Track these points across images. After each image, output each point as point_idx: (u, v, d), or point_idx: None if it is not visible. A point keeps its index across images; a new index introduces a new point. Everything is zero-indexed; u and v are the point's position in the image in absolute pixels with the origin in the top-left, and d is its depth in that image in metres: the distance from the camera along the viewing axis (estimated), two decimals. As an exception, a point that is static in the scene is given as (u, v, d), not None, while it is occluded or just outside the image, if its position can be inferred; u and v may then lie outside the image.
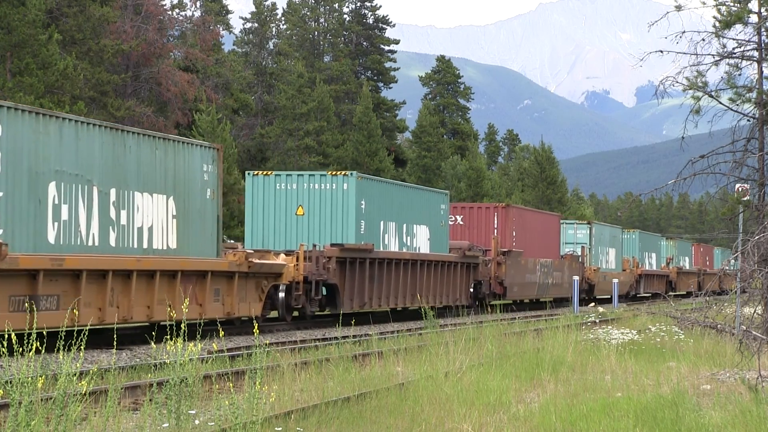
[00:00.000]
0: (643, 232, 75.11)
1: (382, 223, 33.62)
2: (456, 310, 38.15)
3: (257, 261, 26.55)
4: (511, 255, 43.71)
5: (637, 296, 66.31)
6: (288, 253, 29.26)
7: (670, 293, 71.81)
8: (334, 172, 32.08)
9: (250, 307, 26.44)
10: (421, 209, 36.72)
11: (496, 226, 44.13)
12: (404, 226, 35.29)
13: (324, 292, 30.92)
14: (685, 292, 76.11)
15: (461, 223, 44.27)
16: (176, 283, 23.16)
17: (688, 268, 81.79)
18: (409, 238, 35.62)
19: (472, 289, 40.63)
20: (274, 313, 29.48)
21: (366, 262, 31.97)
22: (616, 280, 55.58)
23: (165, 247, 23.51)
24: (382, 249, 33.36)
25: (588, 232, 57.59)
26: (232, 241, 32.06)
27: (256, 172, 32.58)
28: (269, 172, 32.45)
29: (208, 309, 24.45)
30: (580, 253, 55.33)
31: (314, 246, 29.93)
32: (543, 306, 49.21)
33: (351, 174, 31.84)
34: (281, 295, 28.49)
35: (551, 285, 49.41)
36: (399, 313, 37.40)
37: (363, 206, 31.97)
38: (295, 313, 30.23)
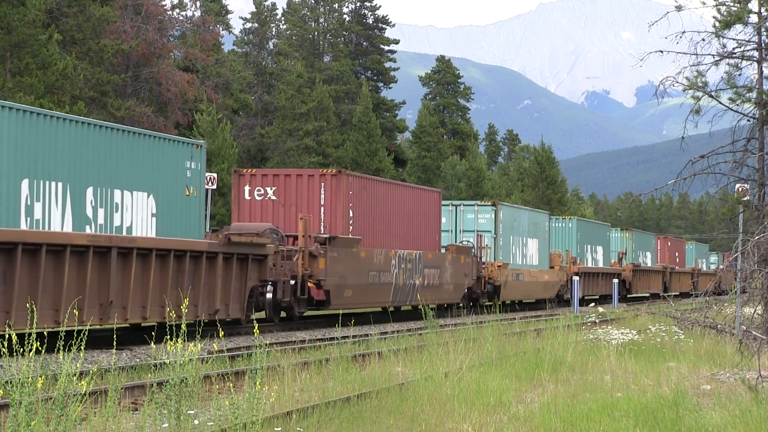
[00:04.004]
0: (584, 220, 60.91)
1: (25, 183, 20.30)
2: (235, 325, 26.53)
3: None
4: (338, 244, 30.48)
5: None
6: None
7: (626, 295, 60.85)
8: None
9: None
10: (134, 166, 23.19)
11: (323, 202, 31.39)
12: (88, 191, 21.80)
13: None
14: (648, 294, 65.99)
15: (274, 197, 31.63)
16: None
17: (649, 265, 68.92)
18: (102, 211, 22.18)
19: (269, 295, 28.24)
20: None
21: None
22: (616, 281, 54.29)
23: None
24: (26, 227, 20.02)
25: (493, 216, 43.87)
26: None
27: None
28: None
29: None
30: (475, 244, 42.20)
31: None
32: (404, 317, 36.53)
33: None
34: None
35: (423, 287, 35.83)
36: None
37: None
38: None
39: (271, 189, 31.71)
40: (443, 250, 39.03)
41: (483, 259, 42.17)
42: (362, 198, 32.73)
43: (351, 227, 31.88)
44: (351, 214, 31.86)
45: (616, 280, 53.86)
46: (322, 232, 30.81)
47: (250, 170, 32.44)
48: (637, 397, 13.95)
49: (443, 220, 41.79)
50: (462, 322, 30.59)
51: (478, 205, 44.41)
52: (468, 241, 42.44)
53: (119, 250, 21.51)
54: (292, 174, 32.24)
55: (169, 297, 22.52)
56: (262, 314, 29.07)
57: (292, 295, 28.98)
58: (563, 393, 14.74)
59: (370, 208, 33.29)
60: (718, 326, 24.36)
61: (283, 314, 29.99)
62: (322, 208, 31.37)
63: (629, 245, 65.38)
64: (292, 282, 28.84)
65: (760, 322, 19.66)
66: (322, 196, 31.43)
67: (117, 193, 22.69)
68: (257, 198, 31.67)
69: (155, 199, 23.86)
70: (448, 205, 43.58)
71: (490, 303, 42.83)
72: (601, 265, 58.61)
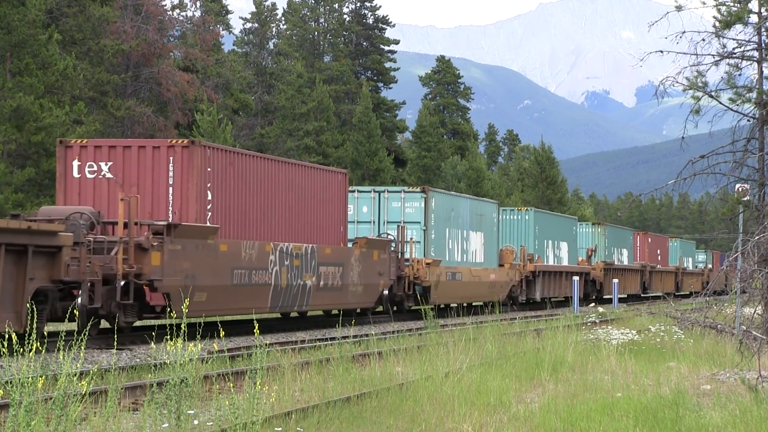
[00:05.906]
0: (543, 212, 53.41)
1: None
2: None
3: None
4: (183, 233, 23.30)
5: (529, 302, 47.39)
6: None
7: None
8: None
9: None
10: None
11: (171, 181, 24.85)
12: None
13: None
14: (626, 295, 61.51)
15: (110, 175, 25.08)
16: None
17: (625, 263, 62.45)
18: None
19: (83, 300, 21.03)
20: None
21: None
22: (616, 281, 53.33)
23: None
24: None
25: (423, 204, 37.32)
26: None
27: None
28: None
29: None
30: (396, 238, 35.22)
31: None
32: (293, 326, 29.75)
33: None
34: None
35: (318, 289, 29.22)
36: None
37: None
38: None
39: (106, 164, 25.14)
40: (350, 244, 32.24)
41: (407, 255, 35.51)
42: (228, 177, 26.01)
43: (209, 213, 25.29)
44: (210, 197, 25.25)
45: (616, 280, 52.92)
46: (171, 219, 24.34)
47: (79, 141, 25.84)
48: (637, 397, 13.95)
49: (364, 209, 36.92)
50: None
51: (404, 192, 37.49)
52: (388, 234, 35.93)
53: None
54: (132, 145, 25.43)
55: None
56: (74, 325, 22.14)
57: (110, 300, 21.87)
58: (563, 393, 14.74)
59: (240, 191, 26.55)
60: (718, 326, 24.36)
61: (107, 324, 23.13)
62: (171, 189, 24.92)
63: (601, 241, 58.61)
64: (123, 283, 22.10)
65: (760, 322, 19.67)
66: (171, 173, 24.93)
67: None
68: (89, 176, 25.15)
69: None
70: (369, 191, 37.60)
71: (420, 307, 34.66)
72: (565, 263, 51.68)
